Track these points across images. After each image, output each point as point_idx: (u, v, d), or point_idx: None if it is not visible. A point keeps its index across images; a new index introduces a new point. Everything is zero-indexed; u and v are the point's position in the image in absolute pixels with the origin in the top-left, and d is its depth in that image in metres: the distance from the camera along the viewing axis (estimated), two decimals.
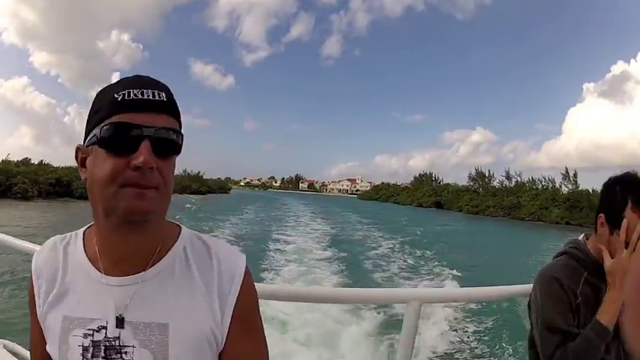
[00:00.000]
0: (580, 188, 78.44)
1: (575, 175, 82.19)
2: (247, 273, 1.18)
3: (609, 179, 2.04)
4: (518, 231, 54.05)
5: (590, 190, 71.81)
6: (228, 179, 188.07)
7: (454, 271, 20.68)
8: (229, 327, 1.16)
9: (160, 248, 1.15)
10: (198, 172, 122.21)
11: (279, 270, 18.18)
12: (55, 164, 72.03)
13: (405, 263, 23.04)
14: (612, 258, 1.94)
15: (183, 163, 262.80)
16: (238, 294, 1.15)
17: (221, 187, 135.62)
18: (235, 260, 1.19)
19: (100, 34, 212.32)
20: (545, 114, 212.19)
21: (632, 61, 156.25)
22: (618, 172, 2.04)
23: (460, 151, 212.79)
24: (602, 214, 2.02)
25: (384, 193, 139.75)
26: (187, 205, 47.94)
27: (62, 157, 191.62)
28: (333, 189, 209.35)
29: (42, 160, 74.79)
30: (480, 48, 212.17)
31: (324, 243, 27.63)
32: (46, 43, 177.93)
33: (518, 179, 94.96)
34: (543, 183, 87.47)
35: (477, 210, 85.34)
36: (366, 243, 29.85)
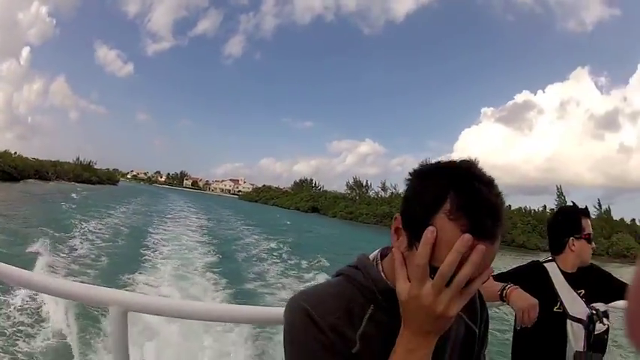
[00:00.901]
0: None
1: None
2: None
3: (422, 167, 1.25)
4: (386, 235, 63.43)
5: None
6: (116, 170, 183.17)
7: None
8: None
9: None
10: (90, 162, 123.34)
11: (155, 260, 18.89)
12: None
13: (278, 262, 23.48)
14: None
15: (77, 150, 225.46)
16: None
17: (109, 178, 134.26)
18: None
19: (22, 3, 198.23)
20: (439, 133, 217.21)
21: (540, 92, 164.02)
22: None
23: (347, 161, 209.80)
24: (398, 216, 1.25)
25: (264, 196, 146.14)
26: (72, 194, 49.72)
27: None
28: (216, 188, 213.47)
29: None
30: (381, 64, 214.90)
31: (201, 236, 29.80)
32: None
33: (394, 190, 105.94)
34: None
35: (352, 217, 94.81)
36: (240, 239, 32.73)
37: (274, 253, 26.41)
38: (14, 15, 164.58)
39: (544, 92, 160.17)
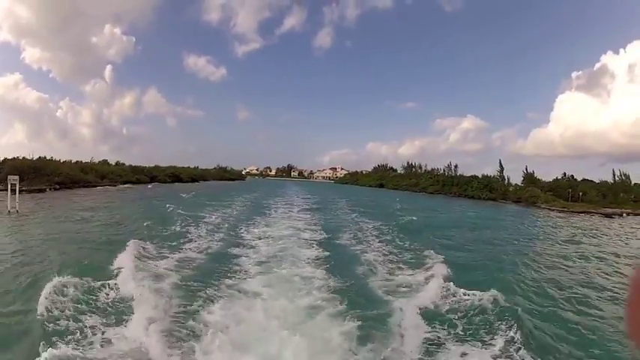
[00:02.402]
0: (459, 174, 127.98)
1: (456, 167, 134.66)
2: None
3: None
4: (416, 195, 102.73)
5: (458, 175, 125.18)
6: (232, 169, 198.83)
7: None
8: None
9: None
10: (226, 167, 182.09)
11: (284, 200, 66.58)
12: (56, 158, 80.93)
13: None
14: None
15: (179, 153, 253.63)
16: None
17: (240, 176, 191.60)
18: None
19: (93, 28, 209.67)
20: (536, 102, 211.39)
21: (621, 50, 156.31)
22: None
23: (450, 138, 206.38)
24: None
25: (351, 179, 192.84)
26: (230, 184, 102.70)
27: (56, 151, 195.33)
28: (318, 176, 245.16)
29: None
30: (469, 39, 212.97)
31: (308, 204, 56.41)
32: (39, 39, 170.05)
33: (426, 168, 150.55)
34: (441, 170, 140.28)
35: (396, 186, 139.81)
36: (331, 201, 75.51)
37: (342, 202, 68.88)
38: (86, 39, 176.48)
39: (625, 51, 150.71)
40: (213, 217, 35.24)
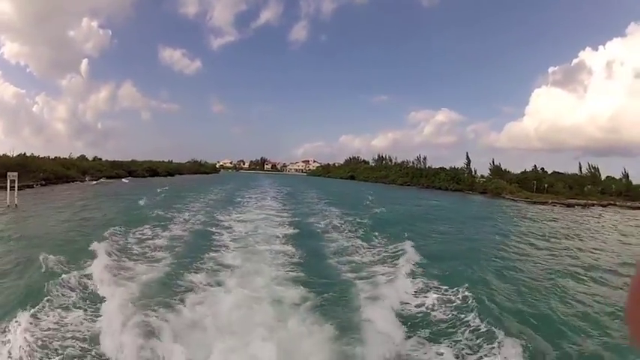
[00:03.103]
0: (428, 166, 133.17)
1: (425, 159, 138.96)
2: None
3: None
4: (384, 187, 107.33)
5: (427, 167, 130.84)
6: (206, 163, 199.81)
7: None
8: None
9: None
10: (201, 161, 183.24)
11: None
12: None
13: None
14: None
15: (154, 148, 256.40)
16: None
17: (213, 169, 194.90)
18: None
19: (72, 22, 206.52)
20: (512, 97, 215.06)
21: (601, 47, 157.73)
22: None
23: (425, 131, 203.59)
24: None
25: (323, 171, 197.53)
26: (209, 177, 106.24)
27: (32, 147, 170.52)
28: (291, 169, 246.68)
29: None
30: (446, 33, 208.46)
31: (280, 194, 68.79)
32: (19, 34, 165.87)
33: (396, 160, 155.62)
34: (410, 163, 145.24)
35: (367, 178, 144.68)
36: (300, 191, 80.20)
37: (312, 193, 73.51)
38: (64, 33, 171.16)
39: (605, 48, 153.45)
40: (192, 206, 39.23)
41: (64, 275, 14.99)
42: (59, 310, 12.28)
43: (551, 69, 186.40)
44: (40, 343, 10.34)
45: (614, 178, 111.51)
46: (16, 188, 37.47)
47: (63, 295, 13.47)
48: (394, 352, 10.66)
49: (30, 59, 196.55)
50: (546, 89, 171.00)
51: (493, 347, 11.18)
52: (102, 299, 13.20)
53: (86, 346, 10.41)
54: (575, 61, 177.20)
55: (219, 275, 16.60)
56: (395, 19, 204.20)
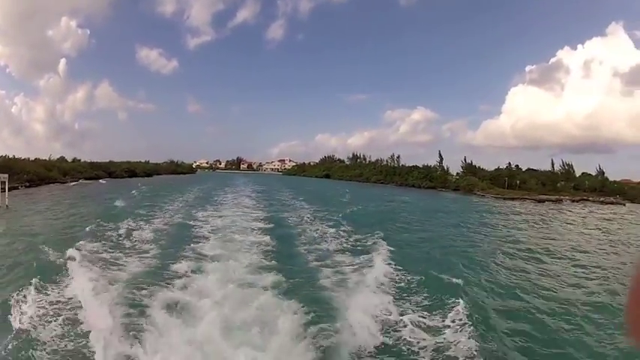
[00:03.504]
0: (402, 164, 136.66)
1: (398, 157, 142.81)
2: None
3: None
4: (359, 185, 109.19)
5: (401, 165, 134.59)
6: (183, 163, 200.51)
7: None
8: None
9: None
10: (177, 161, 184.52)
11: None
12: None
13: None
14: None
15: (132, 149, 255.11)
16: None
17: (190, 169, 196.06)
18: None
19: (51, 22, 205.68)
20: (489, 95, 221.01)
21: (579, 46, 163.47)
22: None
23: (400, 130, 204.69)
24: None
25: (299, 170, 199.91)
26: (185, 177, 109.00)
27: (10, 149, 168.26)
28: (267, 168, 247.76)
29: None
30: (422, 32, 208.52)
31: (254, 190, 73.16)
32: (1, 35, 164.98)
33: (370, 159, 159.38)
34: (384, 162, 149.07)
35: (341, 177, 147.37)
36: (276, 189, 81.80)
37: (288, 191, 75.54)
38: (43, 33, 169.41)
39: (583, 47, 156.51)
40: (171, 204, 41.07)
41: (53, 269, 16.27)
42: (46, 302, 12.95)
43: (528, 67, 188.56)
44: (29, 335, 10.83)
45: (589, 174, 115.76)
46: (6, 190, 38.66)
47: (51, 288, 14.21)
48: (359, 334, 11.37)
49: (10, 60, 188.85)
50: (523, 87, 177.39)
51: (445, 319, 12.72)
52: (89, 291, 13.58)
53: (73, 339, 10.78)
54: (552, 60, 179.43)
55: (199, 263, 17.91)
56: (372, 18, 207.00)
